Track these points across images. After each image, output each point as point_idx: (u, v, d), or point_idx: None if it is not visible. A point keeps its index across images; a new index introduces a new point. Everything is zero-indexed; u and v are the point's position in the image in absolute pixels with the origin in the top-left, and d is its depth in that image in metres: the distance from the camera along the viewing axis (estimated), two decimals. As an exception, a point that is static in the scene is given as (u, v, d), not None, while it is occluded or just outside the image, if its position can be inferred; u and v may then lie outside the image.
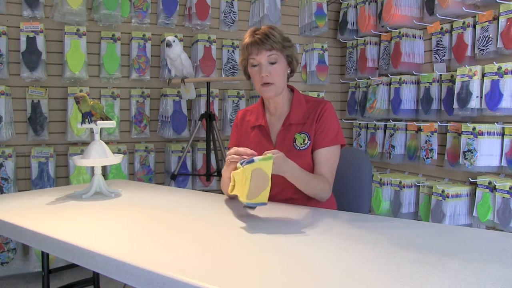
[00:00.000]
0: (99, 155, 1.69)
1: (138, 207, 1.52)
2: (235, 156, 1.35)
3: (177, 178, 3.07)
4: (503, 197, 2.34)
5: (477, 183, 2.50)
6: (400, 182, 2.94)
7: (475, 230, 1.75)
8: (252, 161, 1.25)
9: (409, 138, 3.03)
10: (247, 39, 1.54)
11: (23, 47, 2.84)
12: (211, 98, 3.20)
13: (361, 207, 1.70)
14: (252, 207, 1.29)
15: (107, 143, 1.85)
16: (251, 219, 1.31)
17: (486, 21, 2.49)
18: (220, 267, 0.92)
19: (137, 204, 1.58)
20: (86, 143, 2.98)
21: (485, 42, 2.50)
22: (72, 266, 1.89)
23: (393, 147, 3.08)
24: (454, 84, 2.61)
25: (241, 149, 1.37)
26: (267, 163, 1.26)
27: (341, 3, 3.66)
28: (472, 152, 2.46)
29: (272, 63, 1.53)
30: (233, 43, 3.46)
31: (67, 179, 2.99)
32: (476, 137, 2.44)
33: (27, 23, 2.86)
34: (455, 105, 2.58)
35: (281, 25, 3.40)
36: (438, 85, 2.82)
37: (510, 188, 2.31)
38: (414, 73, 2.97)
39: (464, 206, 2.59)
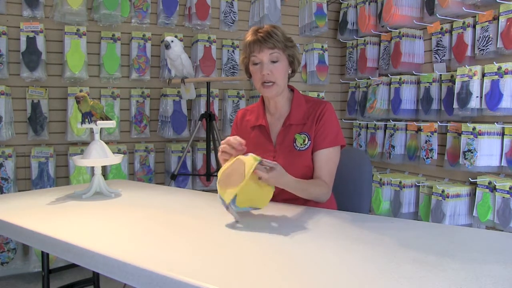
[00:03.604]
0: (99, 155, 1.69)
1: (138, 207, 1.52)
2: (227, 146, 1.35)
3: (177, 178, 3.07)
4: (503, 197, 2.34)
5: (477, 183, 2.50)
6: (400, 182, 2.94)
7: (475, 230, 1.75)
8: (246, 155, 1.28)
9: (409, 138, 3.02)
10: (249, 37, 1.54)
11: (23, 47, 2.84)
12: (211, 98, 3.20)
13: (361, 207, 1.70)
14: (221, 199, 1.28)
15: (107, 143, 1.85)
16: (251, 219, 1.31)
17: (486, 21, 2.49)
18: (220, 267, 0.92)
19: (137, 204, 1.58)
20: (86, 143, 2.98)
21: (485, 42, 2.50)
22: (72, 266, 1.89)
23: (393, 147, 3.08)
24: (454, 84, 2.61)
25: (231, 138, 1.36)
26: (251, 161, 1.23)
27: (341, 3, 3.66)
28: (472, 152, 2.46)
29: (274, 62, 1.53)
30: (233, 43, 3.46)
31: (67, 179, 2.98)
32: (476, 137, 2.44)
33: (27, 23, 2.86)
34: (455, 105, 2.58)
35: (281, 25, 3.40)
36: (438, 85, 2.82)
37: (510, 188, 2.31)
38: (414, 73, 2.97)
39: (464, 206, 2.59)
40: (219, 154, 1.38)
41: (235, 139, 1.34)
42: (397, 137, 3.07)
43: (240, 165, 1.25)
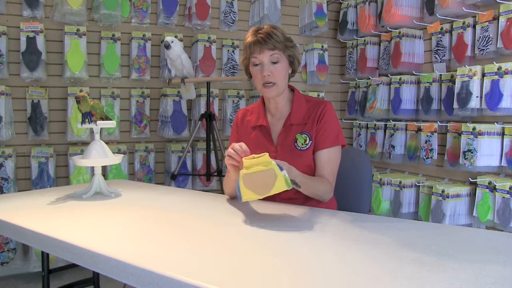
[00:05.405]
0: (99, 155, 1.69)
1: (138, 207, 1.52)
2: (232, 151, 1.35)
3: (177, 178, 3.07)
4: (503, 197, 2.34)
5: (477, 183, 2.50)
6: (400, 182, 2.94)
7: (475, 230, 1.75)
8: (281, 169, 1.25)
9: (409, 138, 3.03)
10: (249, 38, 1.54)
11: (23, 47, 2.84)
12: (211, 98, 3.20)
13: (361, 207, 1.70)
14: (238, 191, 1.28)
15: (107, 143, 1.85)
16: (251, 219, 1.31)
17: (486, 21, 2.49)
18: (220, 267, 0.92)
19: (137, 204, 1.58)
20: (86, 143, 2.98)
21: (485, 42, 2.50)
22: (72, 266, 1.89)
23: (393, 147, 3.08)
24: (454, 84, 2.61)
25: (236, 145, 1.36)
26: (282, 184, 1.24)
27: (341, 3, 3.66)
28: (472, 152, 2.46)
29: (274, 63, 1.53)
30: (233, 43, 3.45)
31: (67, 179, 2.98)
32: (476, 137, 2.44)
33: (27, 23, 2.86)
34: (455, 105, 2.58)
35: (281, 25, 3.40)
36: (438, 85, 2.82)
37: (510, 188, 2.31)
38: (414, 73, 2.97)
39: (464, 206, 2.59)
40: (226, 159, 1.39)
41: (240, 146, 1.34)
42: (397, 137, 3.07)
43: (271, 177, 1.24)
